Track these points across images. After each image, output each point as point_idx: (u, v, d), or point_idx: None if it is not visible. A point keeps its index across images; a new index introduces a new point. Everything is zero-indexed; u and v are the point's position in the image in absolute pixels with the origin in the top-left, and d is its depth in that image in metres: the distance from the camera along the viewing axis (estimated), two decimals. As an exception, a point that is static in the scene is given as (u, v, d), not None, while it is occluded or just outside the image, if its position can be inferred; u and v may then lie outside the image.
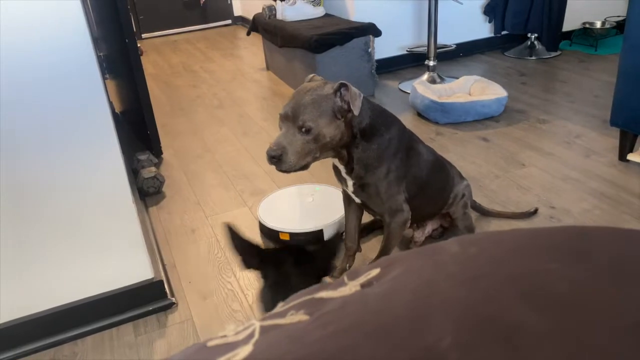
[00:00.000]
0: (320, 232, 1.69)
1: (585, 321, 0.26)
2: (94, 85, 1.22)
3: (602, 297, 0.27)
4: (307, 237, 1.69)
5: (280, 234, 1.72)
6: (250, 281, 1.57)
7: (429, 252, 0.35)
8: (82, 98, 1.22)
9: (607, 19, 3.63)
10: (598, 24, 3.61)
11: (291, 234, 1.70)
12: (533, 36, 3.58)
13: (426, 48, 3.16)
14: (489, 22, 3.68)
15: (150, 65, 4.20)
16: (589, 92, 2.80)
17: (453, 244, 0.36)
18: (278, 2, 3.46)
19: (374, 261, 0.39)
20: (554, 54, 3.52)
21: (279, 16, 3.36)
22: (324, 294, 0.33)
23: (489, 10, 3.62)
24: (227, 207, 1.99)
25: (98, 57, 1.27)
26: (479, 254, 0.33)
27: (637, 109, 1.91)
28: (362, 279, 0.35)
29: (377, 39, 3.04)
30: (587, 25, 3.62)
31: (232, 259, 1.68)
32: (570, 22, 3.63)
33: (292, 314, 0.32)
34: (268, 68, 3.78)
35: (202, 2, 5.38)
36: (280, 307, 0.35)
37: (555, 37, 3.54)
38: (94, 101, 1.23)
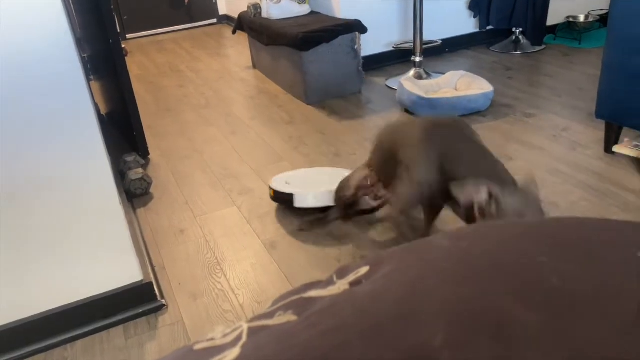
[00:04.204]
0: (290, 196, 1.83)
1: (576, 315, 0.25)
2: (77, 86, 1.21)
3: (592, 289, 0.27)
4: (283, 197, 1.85)
5: (270, 189, 1.90)
6: (241, 280, 1.57)
7: (419, 248, 0.35)
8: (65, 100, 1.20)
9: (591, 13, 3.66)
10: (582, 18, 3.64)
11: (275, 191, 1.87)
12: (518, 31, 3.60)
13: (412, 44, 3.16)
14: (474, 17, 3.69)
15: (135, 65, 4.16)
16: (574, 86, 2.83)
17: (443, 239, 0.35)
18: (263, 0, 3.45)
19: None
20: (538, 48, 3.55)
21: (264, 14, 3.35)
22: (312, 293, 0.33)
23: (473, 6, 3.63)
24: (216, 207, 1.98)
25: (82, 58, 1.26)
26: (469, 249, 0.33)
27: (622, 101, 1.93)
28: (352, 277, 0.34)
29: (363, 36, 3.03)
30: (571, 19, 3.65)
31: (221, 259, 1.68)
32: (555, 16, 3.66)
33: (280, 314, 0.32)
34: (255, 67, 3.76)
35: (186, 2, 5.34)
36: (268, 307, 0.34)
37: (539, 31, 3.56)
38: (78, 103, 1.22)
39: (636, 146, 1.96)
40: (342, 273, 0.36)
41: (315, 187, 1.86)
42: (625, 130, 2.03)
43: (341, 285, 0.33)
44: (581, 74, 2.98)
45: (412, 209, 1.45)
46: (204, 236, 1.81)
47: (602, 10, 3.63)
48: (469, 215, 1.13)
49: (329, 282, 0.35)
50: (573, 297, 0.26)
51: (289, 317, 0.31)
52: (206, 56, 4.30)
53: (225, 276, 1.60)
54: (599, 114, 2.04)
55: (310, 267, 1.59)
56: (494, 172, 1.18)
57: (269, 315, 0.32)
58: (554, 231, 0.34)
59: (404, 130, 1.39)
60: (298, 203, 1.80)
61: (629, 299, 0.26)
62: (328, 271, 1.55)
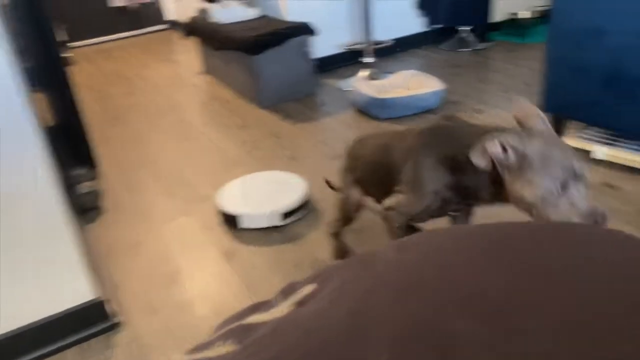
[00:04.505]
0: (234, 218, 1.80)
1: (522, 326, 0.25)
2: (15, 98, 1.15)
3: (538, 299, 0.27)
4: (228, 219, 1.82)
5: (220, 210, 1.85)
6: (200, 292, 1.53)
7: (366, 260, 0.34)
8: (3, 114, 1.14)
9: (533, 8, 3.78)
10: (525, 14, 3.76)
11: (223, 213, 1.83)
12: (464, 29, 3.68)
13: (363, 45, 3.19)
14: (423, 16, 3.76)
15: (82, 74, 4.03)
16: (520, 80, 2.91)
17: (390, 250, 0.35)
18: (211, 4, 3.40)
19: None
20: (485, 45, 3.64)
21: (213, 19, 3.30)
22: (254, 318, 0.32)
23: (421, 5, 3.70)
24: (172, 217, 1.93)
25: (23, 68, 1.20)
26: (416, 260, 0.32)
27: (565, 95, 2.00)
28: (297, 296, 0.33)
29: (315, 38, 3.04)
30: (515, 16, 3.76)
31: (179, 271, 1.64)
32: (499, 13, 3.77)
33: (219, 344, 0.30)
34: (206, 72, 3.70)
35: (129, 8, 5.21)
36: (208, 336, 0.33)
37: (484, 28, 3.66)
38: (17, 115, 1.16)
39: (580, 137, 2.04)
40: (286, 293, 0.35)
41: (263, 202, 1.83)
42: (570, 122, 2.11)
43: (285, 307, 0.32)
44: (526, 69, 3.08)
45: (418, 222, 1.33)
46: (159, 248, 1.77)
47: (543, 6, 3.76)
48: (494, 181, 0.98)
49: (272, 304, 0.33)
50: (518, 308, 0.26)
51: (229, 347, 0.29)
52: (156, 62, 4.21)
53: (184, 288, 1.56)
54: (544, 107, 2.10)
55: (271, 274, 1.57)
56: (497, 128, 1.02)
57: (208, 345, 0.31)
58: (499, 238, 0.33)
59: (395, 141, 1.26)
60: (244, 224, 1.79)
61: (571, 310, 0.26)
62: (288, 277, 1.54)
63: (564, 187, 0.91)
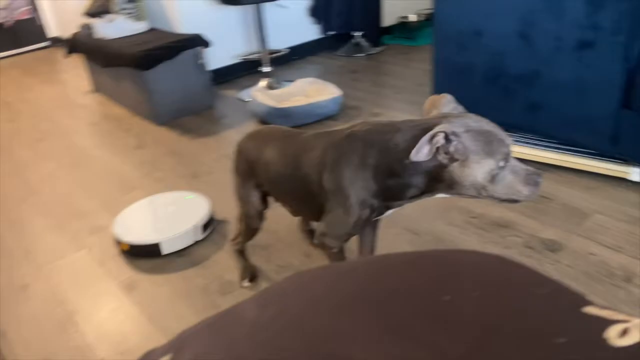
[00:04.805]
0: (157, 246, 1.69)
1: None
2: None
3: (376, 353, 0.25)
4: (146, 250, 1.69)
5: (121, 244, 1.72)
6: (99, 332, 1.42)
7: (225, 321, 0.31)
8: None
9: (420, 12, 3.95)
10: (413, 17, 3.92)
11: (132, 245, 1.70)
12: (358, 34, 3.76)
13: (259, 54, 3.16)
14: (317, 23, 3.79)
15: (-48, 101, 3.64)
16: (413, 82, 3.02)
17: (249, 307, 0.32)
18: (96, 19, 3.21)
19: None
20: (378, 49, 3.75)
21: (98, 35, 3.11)
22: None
23: (314, 13, 3.73)
24: (63, 253, 1.78)
25: None
26: (273, 320, 0.29)
27: (452, 93, 2.08)
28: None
29: (210, 50, 2.96)
30: (404, 19, 3.91)
31: (74, 311, 1.50)
32: (389, 17, 3.90)
33: None
34: (96, 90, 3.49)
35: (5, 25, 4.81)
36: None
37: (376, 33, 3.77)
38: None
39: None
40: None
41: (176, 223, 1.76)
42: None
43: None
44: (418, 71, 3.20)
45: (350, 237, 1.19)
46: (51, 288, 1.62)
47: (430, 9, 3.94)
48: (435, 175, 0.96)
49: None
50: None
51: None
52: (39, 84, 3.90)
53: (80, 330, 1.44)
54: (436, 108, 2.18)
55: (176, 303, 1.49)
56: (423, 120, 0.99)
57: None
58: (367, 284, 0.31)
59: (304, 150, 1.16)
60: (167, 250, 1.70)
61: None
62: (195, 304, 1.47)
63: (506, 159, 0.93)
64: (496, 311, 0.28)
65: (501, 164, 0.92)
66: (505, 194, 0.95)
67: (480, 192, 0.95)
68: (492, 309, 0.28)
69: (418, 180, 0.99)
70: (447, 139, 0.90)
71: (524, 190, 0.95)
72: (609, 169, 1.79)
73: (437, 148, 0.91)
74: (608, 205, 1.69)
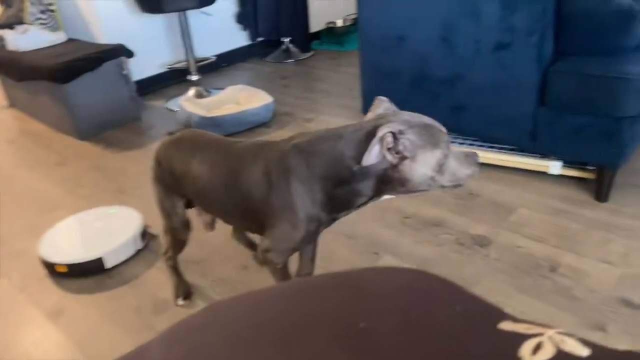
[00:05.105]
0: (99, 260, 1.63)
1: None
2: None
3: None
4: (87, 266, 1.62)
5: (56, 266, 1.62)
6: (22, 365, 1.32)
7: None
8: None
9: (347, 17, 4.01)
10: (339, 23, 3.96)
11: (70, 265, 1.61)
12: (286, 40, 3.76)
13: (186, 63, 3.08)
14: (244, 30, 3.76)
15: None
16: (343, 86, 3.05)
17: (157, 346, 0.29)
18: (7, 30, 3.02)
19: None
20: (308, 54, 3.76)
21: (10, 47, 2.93)
22: None
23: (241, 19, 3.70)
24: (-21, 282, 1.65)
25: None
26: (185, 358, 0.27)
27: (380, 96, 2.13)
28: None
29: (134, 59, 2.86)
30: (331, 25, 3.95)
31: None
32: (317, 22, 3.93)
33: None
34: (11, 105, 3.28)
35: None
36: None
37: (305, 38, 3.78)
38: None
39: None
40: None
41: (113, 236, 1.70)
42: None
43: None
44: (348, 75, 3.24)
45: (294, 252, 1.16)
46: (-35, 322, 1.49)
47: (354, 14, 4.00)
48: (384, 177, 0.95)
49: None
50: None
51: None
52: (-54, 100, 3.62)
53: (1, 365, 1.33)
54: (364, 110, 2.22)
55: (107, 326, 1.41)
56: (362, 124, 0.98)
57: None
58: (280, 319, 0.30)
59: (240, 163, 1.11)
60: (111, 263, 1.64)
61: None
62: (128, 326, 1.40)
63: (448, 147, 0.95)
64: (415, 338, 0.28)
65: (446, 152, 0.95)
66: (451, 180, 0.98)
67: (430, 184, 0.97)
68: (410, 336, 0.28)
69: (367, 186, 0.99)
70: (395, 138, 0.91)
71: (468, 172, 0.99)
72: (530, 164, 1.88)
73: (388, 149, 0.91)
74: (531, 199, 1.78)
